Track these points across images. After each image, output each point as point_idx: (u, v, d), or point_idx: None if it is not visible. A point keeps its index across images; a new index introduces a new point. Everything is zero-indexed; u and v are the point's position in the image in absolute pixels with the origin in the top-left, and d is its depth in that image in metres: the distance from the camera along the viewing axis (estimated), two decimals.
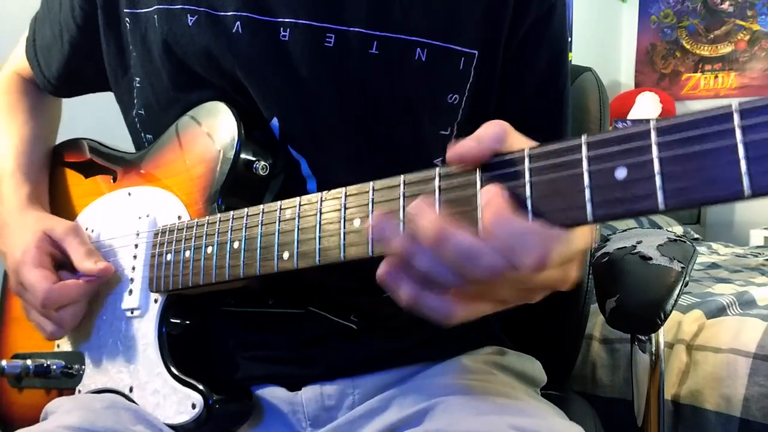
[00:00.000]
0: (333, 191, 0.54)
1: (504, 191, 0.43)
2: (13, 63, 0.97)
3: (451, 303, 0.46)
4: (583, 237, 0.44)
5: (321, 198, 0.55)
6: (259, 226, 0.59)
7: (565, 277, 0.47)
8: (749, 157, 0.34)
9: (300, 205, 0.56)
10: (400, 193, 0.49)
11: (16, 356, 0.86)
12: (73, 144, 0.92)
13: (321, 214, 0.54)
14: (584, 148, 0.39)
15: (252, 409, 0.70)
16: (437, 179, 0.47)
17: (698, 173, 0.35)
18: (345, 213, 0.52)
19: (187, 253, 0.67)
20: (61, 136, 0.97)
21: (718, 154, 0.35)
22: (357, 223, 0.52)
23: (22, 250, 0.75)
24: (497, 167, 0.44)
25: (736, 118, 0.34)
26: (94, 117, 1.06)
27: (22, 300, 0.78)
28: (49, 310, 0.73)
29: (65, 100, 0.99)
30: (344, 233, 0.52)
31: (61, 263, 0.77)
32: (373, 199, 0.51)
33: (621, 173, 0.37)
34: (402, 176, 0.50)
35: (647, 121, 0.38)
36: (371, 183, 0.52)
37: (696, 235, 3.21)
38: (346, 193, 0.53)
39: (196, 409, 0.65)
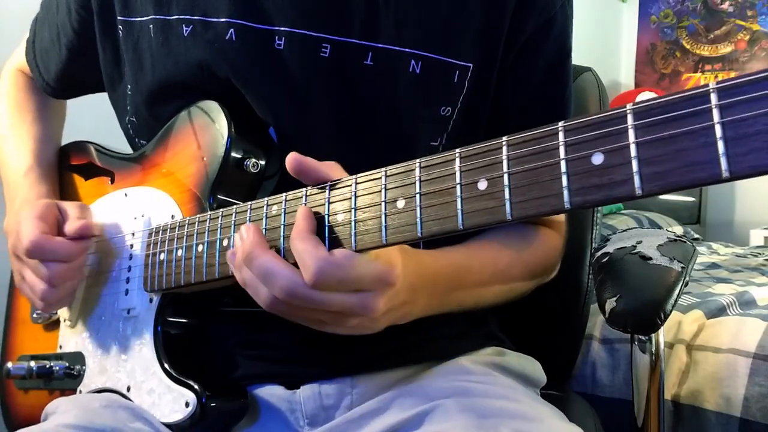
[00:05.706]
0: (318, 186, 0.55)
1: (310, 218, 0.53)
2: (16, 60, 0.98)
3: None
4: (366, 266, 0.51)
5: (306, 193, 0.55)
6: (247, 223, 0.59)
7: (366, 305, 0.53)
8: (726, 138, 0.32)
9: (286, 201, 0.56)
10: (382, 186, 0.49)
11: (20, 358, 0.87)
12: (76, 146, 0.93)
13: None
14: (561, 134, 0.39)
15: (247, 408, 0.70)
16: (417, 170, 0.47)
17: (675, 156, 0.34)
18: (329, 208, 0.52)
19: (179, 252, 0.67)
20: (64, 139, 0.97)
21: (695, 136, 0.33)
22: (341, 217, 0.52)
23: (28, 210, 0.75)
24: (476, 157, 0.44)
25: (713, 97, 0.33)
26: (96, 119, 1.06)
27: (14, 266, 0.78)
28: (36, 262, 0.73)
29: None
30: (328, 226, 0.52)
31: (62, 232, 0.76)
32: (355, 192, 0.51)
33: (598, 159, 0.37)
34: (384, 168, 0.50)
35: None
36: (354, 176, 0.52)
37: (696, 235, 3.19)
38: (329, 186, 0.53)
39: (190, 407, 0.65)
